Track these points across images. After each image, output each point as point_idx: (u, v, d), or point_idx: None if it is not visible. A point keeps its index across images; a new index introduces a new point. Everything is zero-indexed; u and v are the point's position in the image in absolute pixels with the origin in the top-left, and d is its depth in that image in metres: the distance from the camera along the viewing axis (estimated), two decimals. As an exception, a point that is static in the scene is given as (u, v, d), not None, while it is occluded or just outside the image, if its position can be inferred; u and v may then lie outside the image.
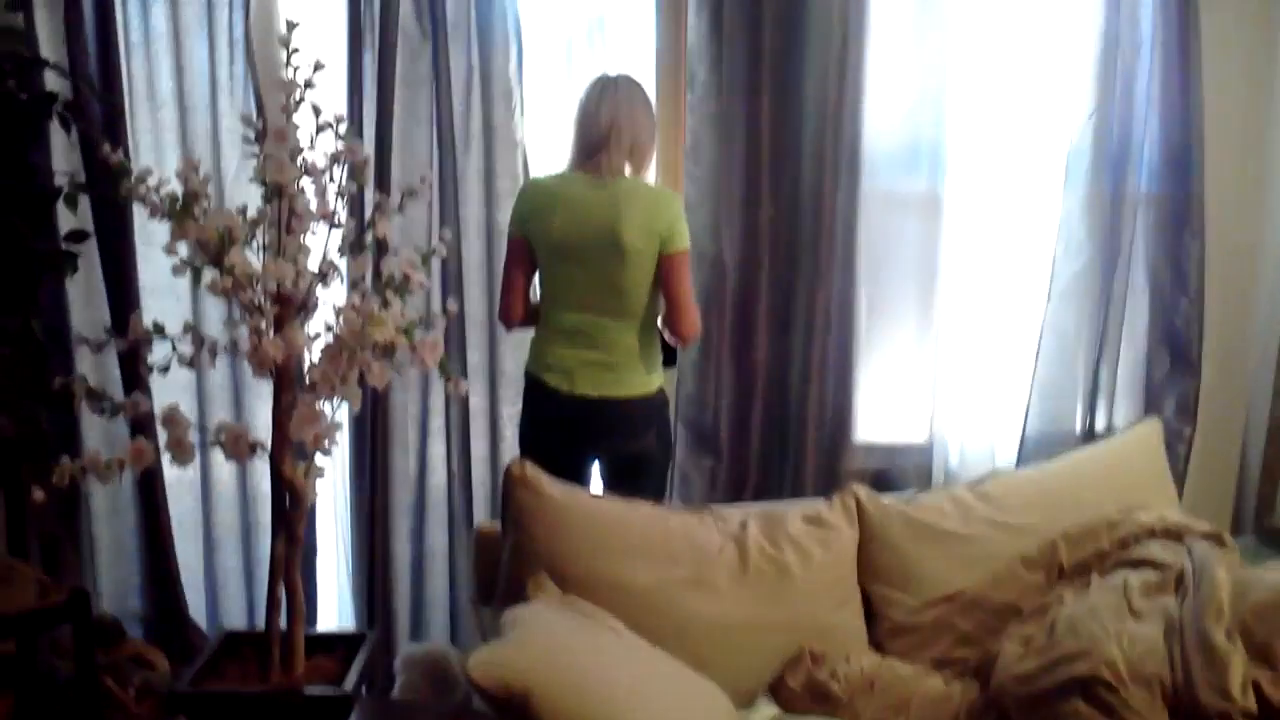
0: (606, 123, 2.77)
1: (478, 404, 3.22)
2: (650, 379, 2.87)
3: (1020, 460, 3.41)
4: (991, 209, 3.36)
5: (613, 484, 2.90)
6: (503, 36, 3.03)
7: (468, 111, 3.07)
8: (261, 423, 3.08)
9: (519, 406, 3.14)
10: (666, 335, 2.90)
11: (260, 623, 3.18)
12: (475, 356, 3.19)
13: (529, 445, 2.91)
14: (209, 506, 3.17)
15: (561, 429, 2.86)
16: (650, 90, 2.94)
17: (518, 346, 3.14)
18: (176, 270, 1.79)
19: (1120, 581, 2.52)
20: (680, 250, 2.79)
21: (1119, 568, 2.60)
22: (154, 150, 2.96)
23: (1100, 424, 3.45)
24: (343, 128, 1.92)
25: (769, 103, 3.16)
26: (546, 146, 3.16)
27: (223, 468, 3.14)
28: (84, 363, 2.97)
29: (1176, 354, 3.44)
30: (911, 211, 3.31)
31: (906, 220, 3.31)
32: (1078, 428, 3.46)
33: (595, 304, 2.80)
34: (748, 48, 3.13)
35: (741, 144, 3.18)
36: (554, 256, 2.80)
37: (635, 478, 2.88)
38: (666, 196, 2.85)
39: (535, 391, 2.89)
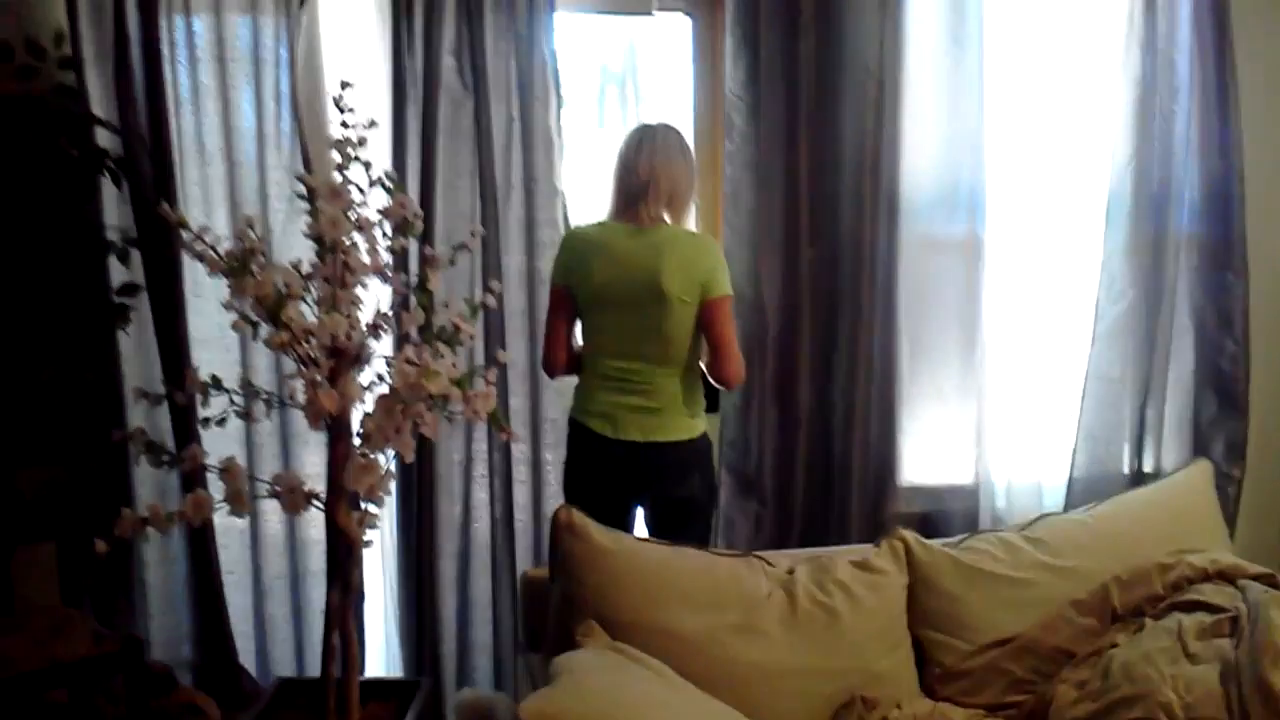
0: (645, 172, 2.80)
1: (520, 450, 3.23)
2: (694, 424, 2.88)
3: (1068, 503, 3.39)
4: (1033, 252, 3.37)
5: (657, 529, 2.90)
6: (542, 88, 3.07)
7: (508, 162, 3.11)
8: (308, 471, 3.12)
9: (562, 452, 3.16)
10: (711, 380, 2.91)
11: (309, 669, 3.21)
12: (517, 402, 3.21)
13: (574, 491, 2.92)
14: (258, 554, 3.19)
15: (606, 474, 2.87)
16: (688, 138, 2.97)
17: (560, 393, 3.16)
18: (236, 326, 1.82)
19: (1174, 624, 2.49)
20: (721, 295, 2.81)
21: (1172, 611, 2.57)
22: (203, 204, 3.01)
23: (1148, 466, 3.43)
24: (392, 184, 1.95)
25: (807, 149, 3.19)
26: (585, 194, 3.20)
27: (272, 515, 3.17)
28: (135, 413, 3.01)
29: (1223, 395, 3.42)
30: (952, 255, 3.32)
31: (947, 264, 3.32)
32: (1125, 469, 3.44)
33: (638, 350, 2.82)
34: (785, 96, 3.17)
35: (780, 191, 3.20)
36: (595, 304, 2.83)
37: (680, 523, 2.88)
38: (706, 243, 2.87)
39: (580, 437, 2.90)
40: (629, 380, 2.83)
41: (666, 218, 2.84)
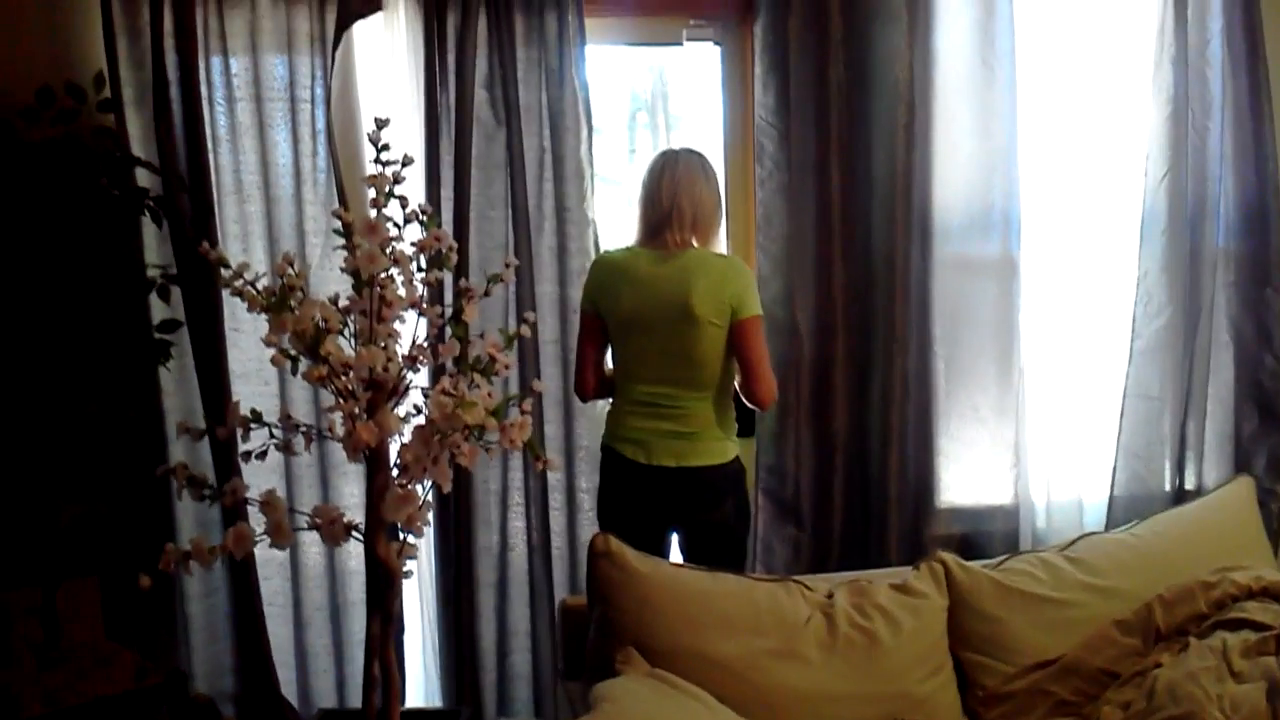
0: (668, 198, 2.82)
1: (555, 478, 3.25)
2: (726, 448, 2.89)
3: (1110, 521, 3.36)
4: (1068, 270, 3.36)
5: (692, 554, 2.91)
6: (574, 119, 3.10)
7: (540, 192, 3.15)
8: (348, 503, 3.15)
9: (596, 480, 3.17)
10: (745, 402, 2.92)
11: (350, 700, 3.23)
12: (551, 430, 3.23)
13: (608, 517, 2.93)
14: (298, 585, 3.21)
15: (640, 500, 2.88)
16: (718, 165, 2.99)
17: (594, 420, 3.18)
18: (275, 361, 1.84)
19: (1218, 643, 2.46)
20: (751, 316, 2.81)
21: (1216, 629, 2.54)
22: (241, 240, 3.05)
23: (1190, 483, 3.40)
24: (427, 218, 1.98)
25: (838, 173, 3.20)
26: (615, 221, 3.22)
27: (312, 547, 3.19)
28: (177, 447, 3.04)
29: (1264, 410, 3.38)
30: (987, 275, 3.31)
31: (982, 284, 3.31)
32: (1167, 487, 3.41)
33: (669, 375, 2.83)
34: (815, 120, 3.18)
35: (812, 215, 3.21)
36: (625, 330, 2.85)
37: (714, 548, 2.88)
38: (735, 265, 2.89)
39: (612, 464, 2.92)
40: (660, 405, 2.84)
41: (694, 242, 2.85)
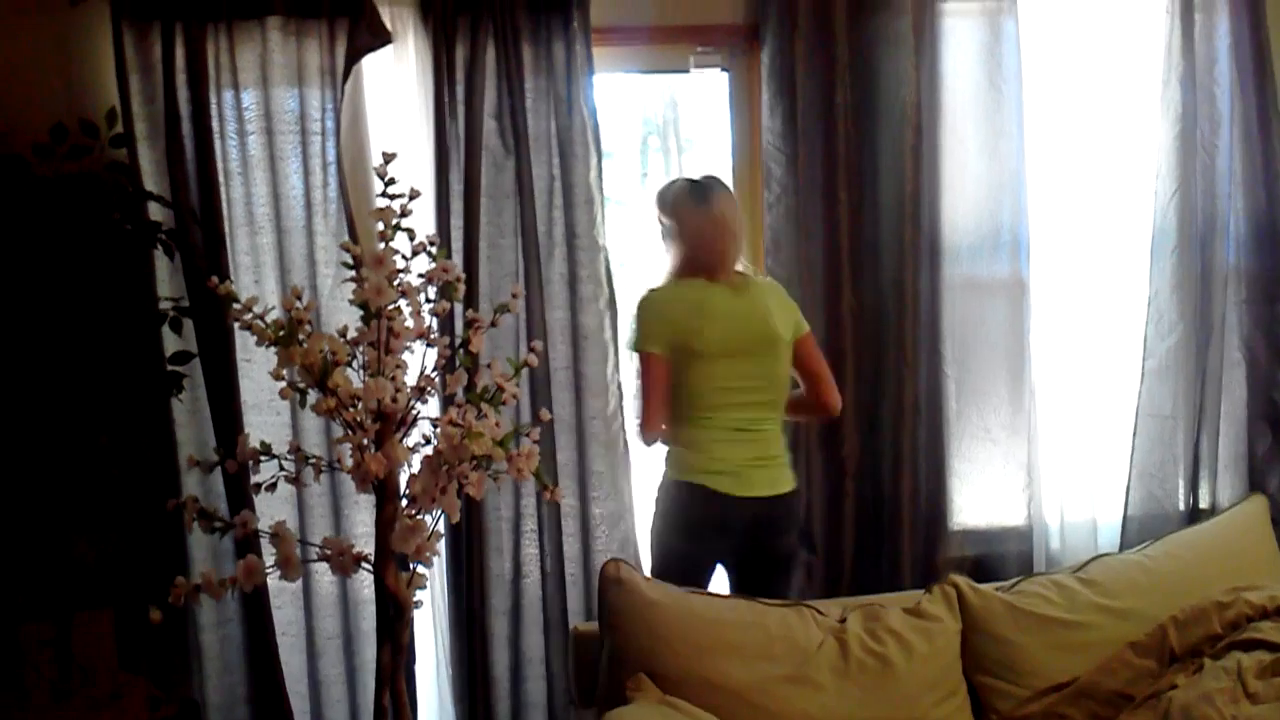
0: (724, 234, 2.89)
1: (569, 504, 3.23)
2: (793, 473, 2.97)
3: (1124, 542, 3.34)
4: (1079, 290, 3.36)
5: (753, 584, 2.90)
6: (583, 147, 3.11)
7: (550, 220, 3.15)
8: (360, 532, 3.15)
9: (610, 506, 3.18)
10: (812, 414, 3.05)
11: (364, 729, 3.22)
12: (564, 456, 3.22)
13: (673, 552, 2.90)
14: (311, 614, 3.20)
15: (723, 533, 2.87)
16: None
17: (607, 445, 3.17)
18: (283, 394, 1.86)
19: (1233, 664, 2.45)
20: (809, 330, 2.97)
21: (1231, 650, 2.53)
22: (253, 271, 3.06)
23: (1204, 502, 3.39)
24: (435, 249, 1.99)
25: (846, 197, 3.21)
26: (627, 244, 3.24)
27: (324, 576, 3.19)
28: (189, 477, 3.06)
29: (1278, 428, 3.36)
30: (997, 296, 3.31)
31: (992, 305, 3.31)
32: (1181, 506, 3.39)
33: (755, 399, 2.89)
34: (823, 145, 3.20)
35: (821, 238, 3.22)
36: (709, 363, 2.85)
37: (781, 575, 2.97)
38: (779, 285, 3.03)
39: (698, 498, 2.86)
40: (748, 430, 2.88)
41: (738, 267, 2.94)
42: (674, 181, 3.01)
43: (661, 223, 2.98)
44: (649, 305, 2.93)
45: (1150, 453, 3.37)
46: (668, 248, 2.96)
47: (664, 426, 2.91)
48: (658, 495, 2.97)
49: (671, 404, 2.88)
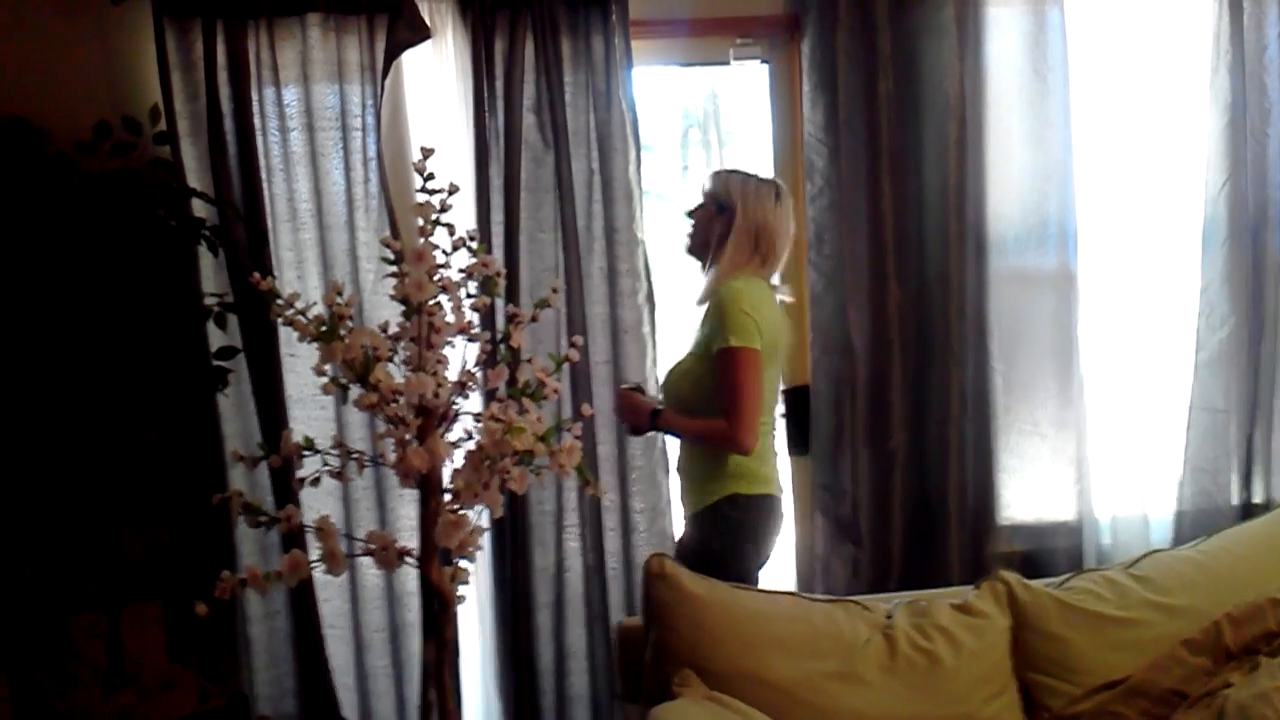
0: (789, 237, 2.93)
1: (609, 499, 3.24)
2: None
3: (1176, 537, 3.30)
4: (1128, 282, 3.31)
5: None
6: (622, 141, 3.11)
7: (590, 214, 3.15)
8: (405, 526, 3.16)
9: (650, 500, 3.17)
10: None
11: (410, 722, 3.24)
12: (605, 450, 3.22)
13: (754, 569, 2.87)
14: (358, 607, 3.22)
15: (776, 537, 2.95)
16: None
17: (646, 440, 3.16)
18: (326, 389, 1.86)
19: (1291, 663, 2.40)
20: None
21: (1288, 648, 2.49)
22: (296, 267, 3.08)
23: (1258, 496, 3.33)
24: (475, 244, 1.99)
25: (890, 189, 3.18)
26: (666, 238, 3.22)
27: (370, 569, 3.20)
28: (235, 472, 3.08)
29: (1333, 421, 3.30)
30: (1044, 288, 3.26)
31: (1040, 297, 3.27)
32: (1235, 500, 3.34)
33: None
34: (865, 137, 3.17)
35: (864, 231, 3.19)
36: (774, 366, 2.90)
37: None
38: None
39: (774, 510, 2.92)
40: (772, 433, 2.94)
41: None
42: (749, 175, 2.93)
43: (726, 207, 2.87)
44: (747, 299, 2.76)
45: (1202, 447, 3.32)
46: (731, 238, 2.86)
47: None
48: (728, 512, 2.83)
49: None
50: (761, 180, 2.92)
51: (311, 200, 3.07)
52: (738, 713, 2.31)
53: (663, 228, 3.27)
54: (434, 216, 1.90)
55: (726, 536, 2.82)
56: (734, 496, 2.82)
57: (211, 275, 3.04)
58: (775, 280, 2.94)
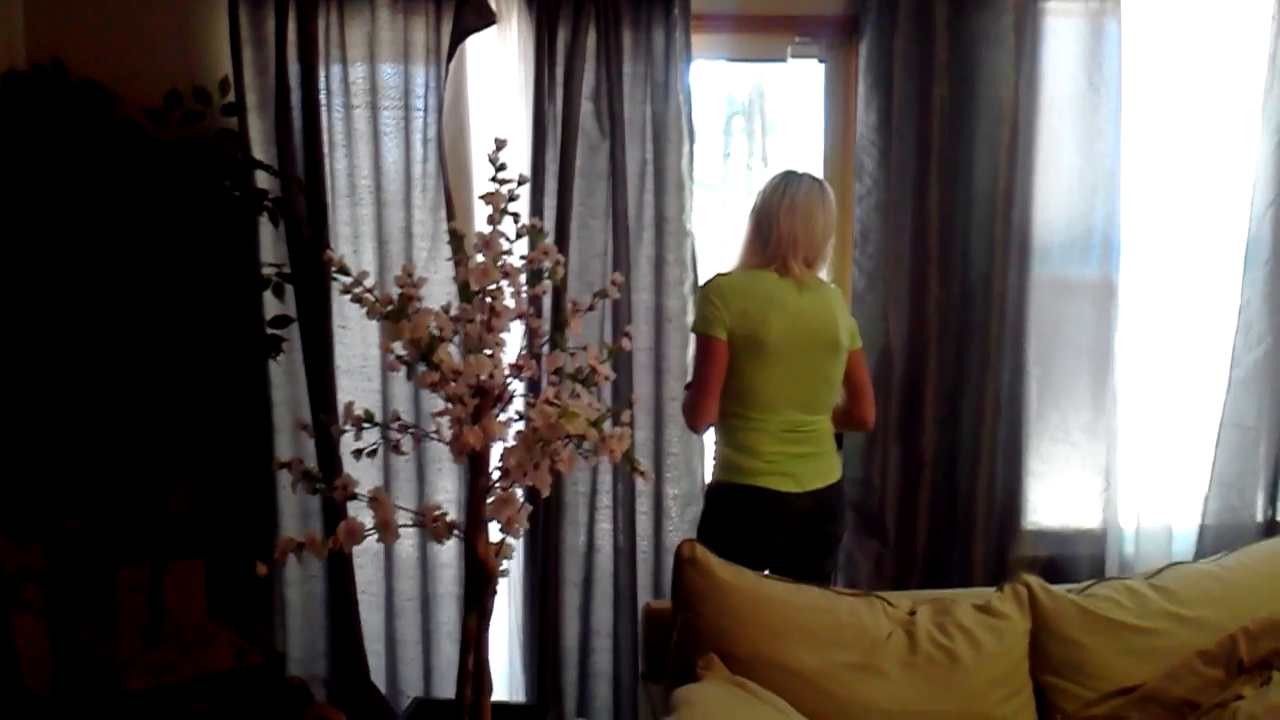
0: (786, 227, 2.83)
1: (643, 483, 3.29)
2: (840, 462, 2.99)
3: (1199, 550, 3.34)
4: (1168, 295, 3.34)
5: (805, 565, 2.87)
6: (676, 133, 3.16)
7: (641, 203, 3.20)
8: (442, 497, 3.24)
9: (684, 486, 3.23)
10: (851, 422, 3.03)
11: (436, 690, 3.32)
12: (641, 435, 3.28)
13: (726, 551, 2.78)
14: (392, 575, 3.31)
15: (782, 530, 2.87)
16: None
17: (683, 427, 3.19)
18: (392, 366, 1.93)
19: (1304, 679, 2.44)
20: (861, 345, 2.97)
21: (1302, 665, 2.52)
22: (352, 242, 3.16)
23: (1283, 515, 3.36)
24: (540, 235, 2.05)
25: (937, 193, 3.22)
26: (712, 230, 3.27)
27: (405, 540, 3.28)
28: (281, 437, 3.17)
29: (1363, 445, 3.33)
30: (1085, 297, 3.30)
31: (1079, 306, 3.31)
32: (1259, 518, 3.37)
33: (808, 400, 2.87)
34: (916, 140, 3.21)
35: (909, 232, 3.24)
36: (767, 358, 2.81)
37: (831, 554, 2.99)
38: (841, 295, 3.00)
39: (753, 500, 2.84)
40: (800, 430, 2.86)
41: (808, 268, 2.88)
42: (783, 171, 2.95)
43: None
44: (717, 289, 2.84)
45: (1230, 463, 3.36)
46: (745, 233, 2.92)
47: (715, 416, 2.85)
48: (710, 498, 2.96)
49: (723, 400, 2.85)
50: (784, 172, 2.90)
51: (371, 177, 3.14)
52: (759, 697, 2.37)
53: (707, 217, 3.32)
54: (503, 206, 1.96)
55: (708, 520, 2.95)
56: (717, 484, 2.93)
57: (270, 245, 3.11)
58: (821, 274, 2.90)
